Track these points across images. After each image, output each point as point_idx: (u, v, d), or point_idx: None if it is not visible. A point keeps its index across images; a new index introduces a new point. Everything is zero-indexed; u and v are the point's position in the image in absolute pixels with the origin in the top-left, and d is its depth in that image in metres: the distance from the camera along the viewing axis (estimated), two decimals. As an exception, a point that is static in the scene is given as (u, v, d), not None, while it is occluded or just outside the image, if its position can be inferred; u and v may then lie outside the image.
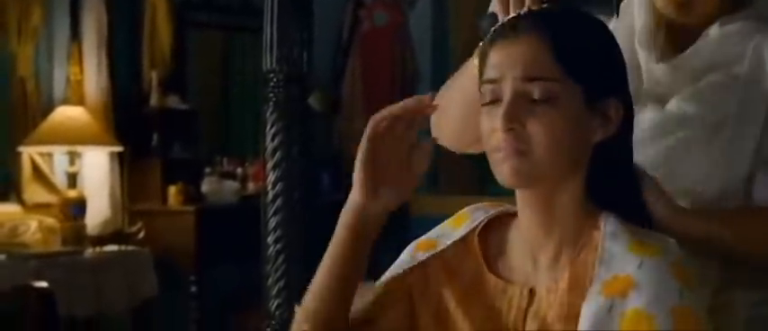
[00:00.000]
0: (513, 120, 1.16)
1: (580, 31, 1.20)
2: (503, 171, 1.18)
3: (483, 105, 1.21)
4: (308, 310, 1.27)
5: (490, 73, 1.20)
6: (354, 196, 1.25)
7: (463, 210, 1.33)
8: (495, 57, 1.20)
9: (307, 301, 1.27)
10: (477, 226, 1.29)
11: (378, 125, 1.23)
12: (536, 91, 1.16)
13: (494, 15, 1.28)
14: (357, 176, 1.24)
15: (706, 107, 1.38)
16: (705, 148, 1.36)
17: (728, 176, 1.35)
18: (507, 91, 1.17)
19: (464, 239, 1.29)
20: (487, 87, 1.20)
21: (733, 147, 1.35)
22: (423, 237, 1.33)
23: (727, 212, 1.34)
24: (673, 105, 1.41)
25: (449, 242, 1.29)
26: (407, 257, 1.31)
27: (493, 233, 1.29)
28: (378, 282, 1.30)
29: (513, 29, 1.20)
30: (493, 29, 1.23)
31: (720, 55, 1.39)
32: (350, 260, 1.25)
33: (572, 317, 1.15)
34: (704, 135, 1.36)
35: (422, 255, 1.30)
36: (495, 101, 1.19)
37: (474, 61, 1.34)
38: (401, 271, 1.30)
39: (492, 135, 1.19)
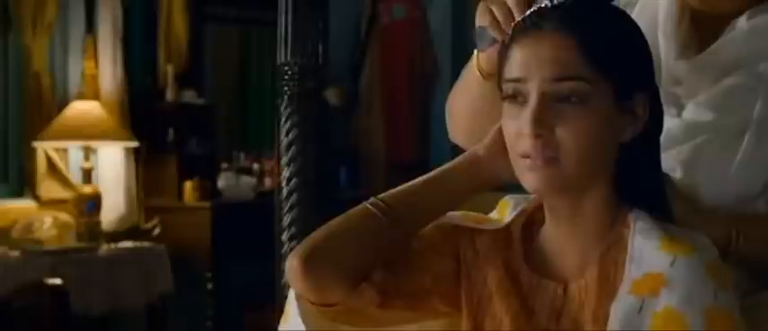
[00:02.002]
0: (542, 126, 1.12)
1: (607, 24, 1.16)
2: (531, 180, 1.15)
3: (504, 100, 1.17)
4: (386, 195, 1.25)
5: (514, 71, 1.16)
6: (477, 147, 1.26)
7: (503, 200, 1.31)
8: (518, 54, 1.16)
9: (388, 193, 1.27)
10: (520, 216, 1.27)
11: None
12: (565, 91, 1.12)
13: (483, 28, 1.27)
14: (487, 137, 1.25)
15: (724, 113, 1.34)
16: (722, 156, 1.33)
17: (746, 185, 1.31)
18: (534, 92, 1.13)
19: (508, 227, 1.27)
20: (510, 85, 1.16)
21: (752, 154, 1.31)
22: (469, 213, 1.33)
23: (747, 219, 1.30)
24: (689, 112, 1.37)
25: (497, 227, 1.27)
26: (456, 215, 1.30)
27: (531, 226, 1.27)
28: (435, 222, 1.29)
29: (536, 25, 1.15)
30: (513, 25, 1.19)
31: (746, 51, 1.35)
32: (445, 181, 1.25)
33: (602, 317, 1.13)
34: (721, 142, 1.33)
35: (469, 223, 1.28)
36: (519, 98, 1.15)
37: (473, 61, 1.37)
38: (455, 222, 1.28)
39: (518, 139, 1.15)
